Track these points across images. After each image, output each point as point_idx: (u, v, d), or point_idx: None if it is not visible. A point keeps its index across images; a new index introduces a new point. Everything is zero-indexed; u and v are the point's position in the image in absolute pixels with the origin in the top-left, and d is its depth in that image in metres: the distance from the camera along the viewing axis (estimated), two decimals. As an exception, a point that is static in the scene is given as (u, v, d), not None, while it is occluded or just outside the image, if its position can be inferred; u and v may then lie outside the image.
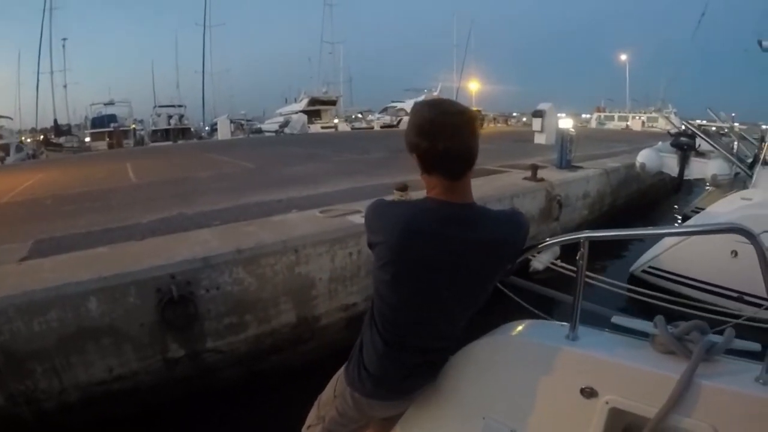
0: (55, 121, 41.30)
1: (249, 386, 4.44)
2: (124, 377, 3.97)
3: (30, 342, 3.56)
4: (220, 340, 4.38)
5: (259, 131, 37.04)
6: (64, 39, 49.05)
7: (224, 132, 31.96)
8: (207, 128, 42.68)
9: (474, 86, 47.32)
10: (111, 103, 39.09)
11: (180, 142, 32.21)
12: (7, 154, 26.67)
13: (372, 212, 1.66)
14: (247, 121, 42.30)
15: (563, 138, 10.13)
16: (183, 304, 4.03)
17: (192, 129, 39.81)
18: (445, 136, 1.45)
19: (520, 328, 1.90)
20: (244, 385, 4.47)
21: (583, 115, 47.42)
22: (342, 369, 1.90)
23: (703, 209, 7.73)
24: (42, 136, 37.50)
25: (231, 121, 35.61)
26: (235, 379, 4.50)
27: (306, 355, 4.83)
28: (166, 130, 36.59)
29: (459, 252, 1.55)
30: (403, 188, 4.95)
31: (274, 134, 33.21)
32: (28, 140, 38.12)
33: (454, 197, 1.54)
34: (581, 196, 9.27)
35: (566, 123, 10.82)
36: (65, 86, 47.72)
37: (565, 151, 9.95)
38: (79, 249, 4.55)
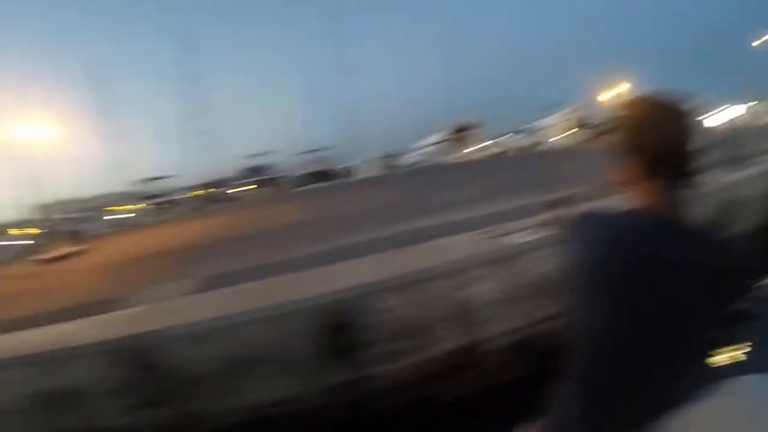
0: (216, 176, 45.72)
1: (410, 415, 4.27)
2: (283, 402, 4.03)
3: (195, 367, 3.78)
4: (382, 366, 4.28)
5: (400, 166, 37.87)
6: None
7: (368, 169, 32.96)
8: (351, 168, 44.38)
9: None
10: (263, 154, 42.42)
11: (325, 183, 33.83)
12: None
13: (575, 225, 1.40)
14: (388, 156, 43.40)
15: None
16: (346, 331, 4.06)
17: (335, 170, 41.75)
18: (678, 132, 1.22)
19: (755, 383, 1.26)
20: (405, 413, 4.30)
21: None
22: None
23: None
24: (208, 189, 41.36)
25: (375, 159, 36.83)
26: (396, 407, 4.35)
27: (470, 383, 4.60)
28: (311, 174, 38.74)
29: (683, 281, 1.15)
30: (563, 203, 4.61)
31: (415, 167, 33.71)
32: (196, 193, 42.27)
33: (671, 211, 1.23)
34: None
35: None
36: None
37: None
38: (246, 281, 4.79)
